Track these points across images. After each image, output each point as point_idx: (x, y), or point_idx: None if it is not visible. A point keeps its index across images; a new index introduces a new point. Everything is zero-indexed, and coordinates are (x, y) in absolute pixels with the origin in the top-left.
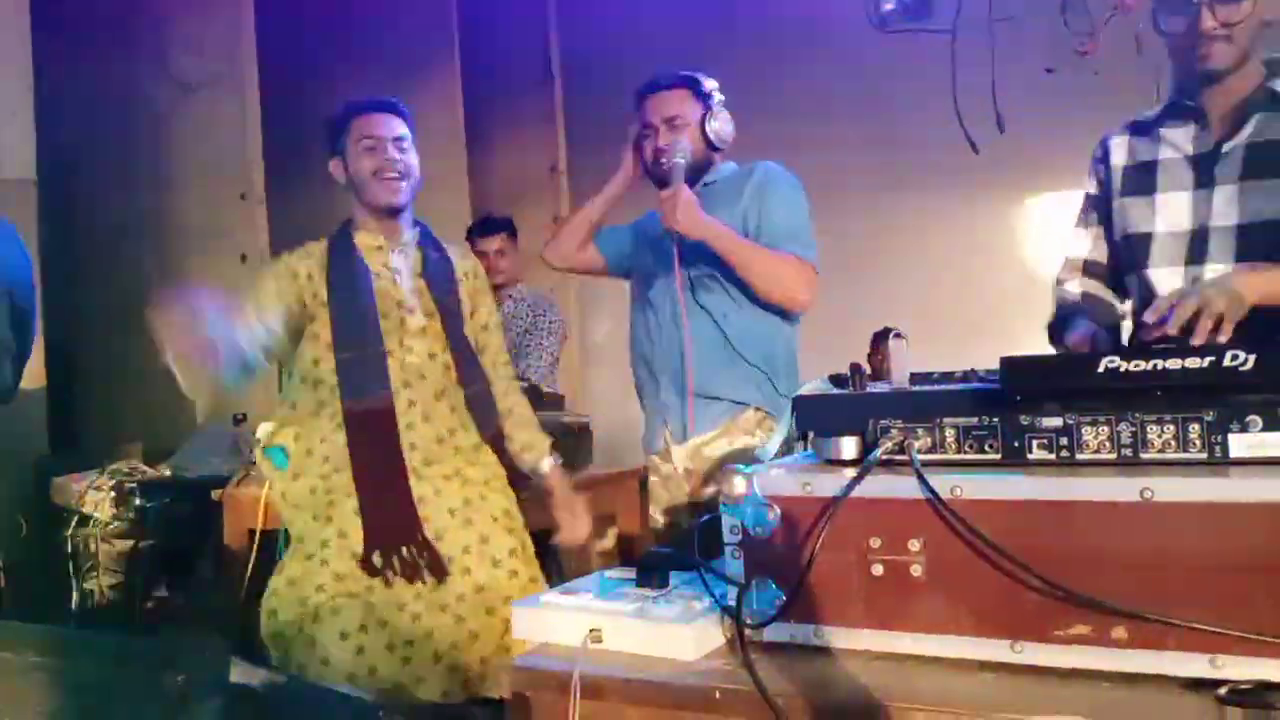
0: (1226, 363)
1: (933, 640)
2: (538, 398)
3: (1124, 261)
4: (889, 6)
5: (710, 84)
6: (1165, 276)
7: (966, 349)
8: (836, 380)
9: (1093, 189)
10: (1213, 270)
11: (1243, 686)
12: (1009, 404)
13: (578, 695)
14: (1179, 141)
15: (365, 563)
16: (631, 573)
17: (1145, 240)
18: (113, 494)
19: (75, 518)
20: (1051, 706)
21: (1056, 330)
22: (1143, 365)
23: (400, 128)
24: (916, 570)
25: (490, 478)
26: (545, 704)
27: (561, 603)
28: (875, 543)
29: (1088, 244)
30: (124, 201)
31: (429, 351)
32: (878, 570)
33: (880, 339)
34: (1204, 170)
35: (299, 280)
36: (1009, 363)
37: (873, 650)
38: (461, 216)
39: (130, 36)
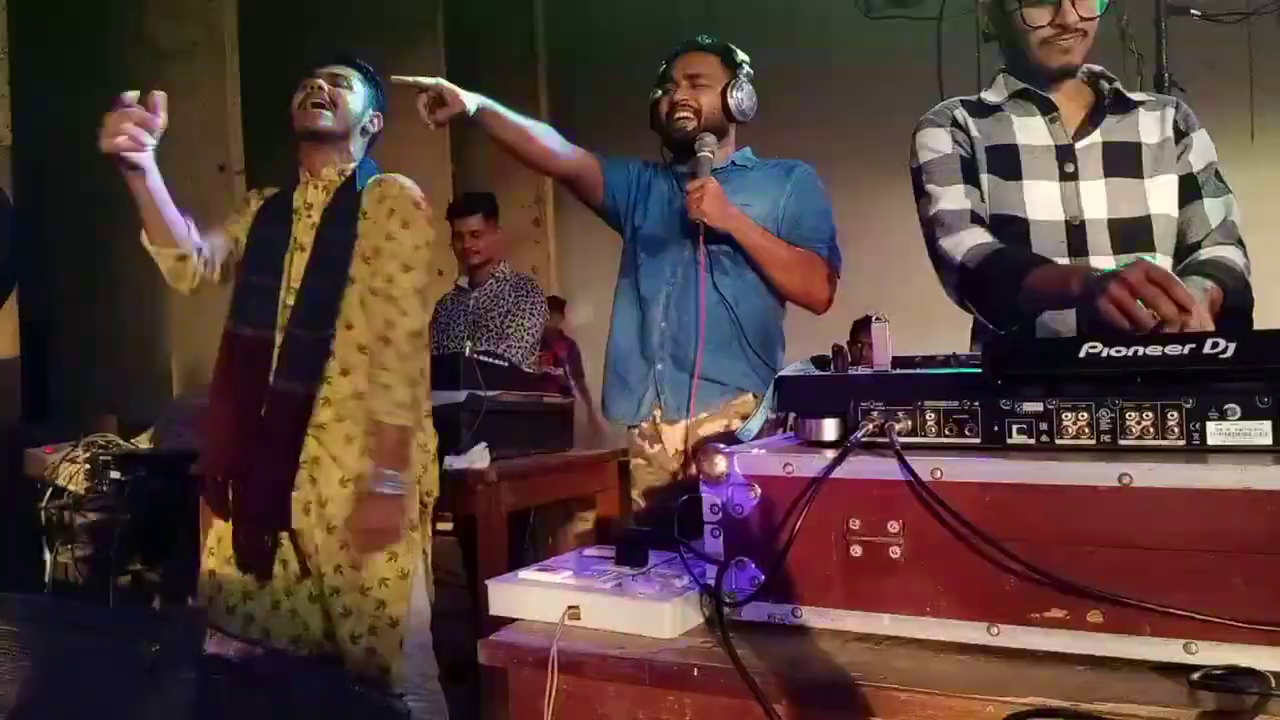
0: (1207, 350)
1: (910, 621)
2: (520, 377)
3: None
4: None
5: (742, 56)
6: None
7: (948, 337)
8: (819, 362)
9: (948, 148)
10: (1097, 262)
11: (1215, 672)
12: (990, 388)
13: (555, 671)
14: (1035, 130)
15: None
16: (610, 551)
17: (1019, 225)
18: (87, 466)
19: (49, 490)
20: (1026, 689)
21: (986, 275)
22: (1124, 351)
23: (339, 69)
24: (895, 552)
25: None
26: (523, 679)
27: (539, 579)
28: (855, 524)
29: (960, 198)
30: (100, 171)
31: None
32: (857, 551)
33: (861, 327)
34: (1065, 163)
35: (245, 213)
36: (991, 346)
37: (850, 630)
38: (444, 193)
39: (108, 2)
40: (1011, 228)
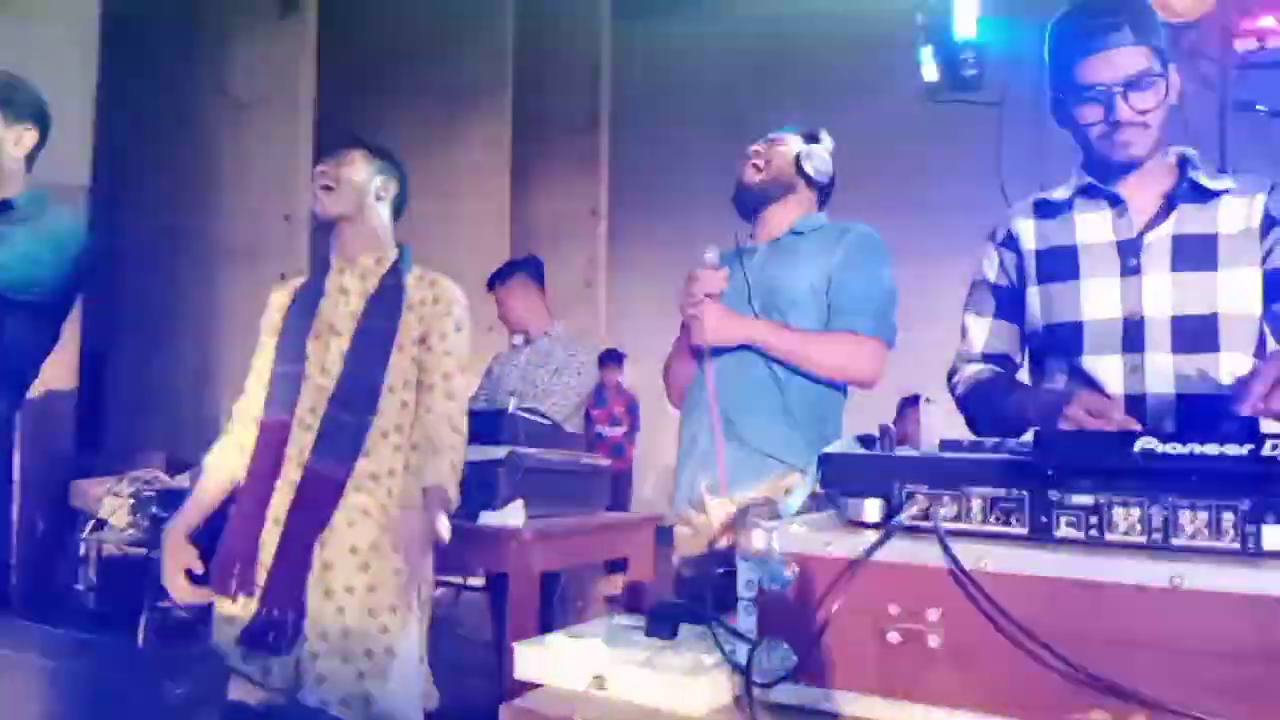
0: (1265, 452)
1: (946, 715)
2: (562, 437)
3: (1048, 350)
4: (932, 80)
5: (824, 135)
6: (1102, 365)
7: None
8: (864, 441)
9: (991, 275)
10: (1154, 359)
11: None
12: (1039, 478)
13: None
14: (1097, 226)
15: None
16: (641, 621)
17: (1075, 329)
18: (131, 501)
19: (91, 522)
20: None
21: (981, 404)
22: (1179, 449)
23: (342, 151)
24: (934, 641)
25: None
26: None
27: (567, 645)
28: (893, 609)
29: (984, 336)
30: (170, 213)
31: (337, 374)
32: (894, 638)
33: (907, 405)
34: (1129, 257)
35: (271, 317)
36: (1042, 436)
37: None
38: (502, 253)
39: (190, 53)
40: (1065, 332)
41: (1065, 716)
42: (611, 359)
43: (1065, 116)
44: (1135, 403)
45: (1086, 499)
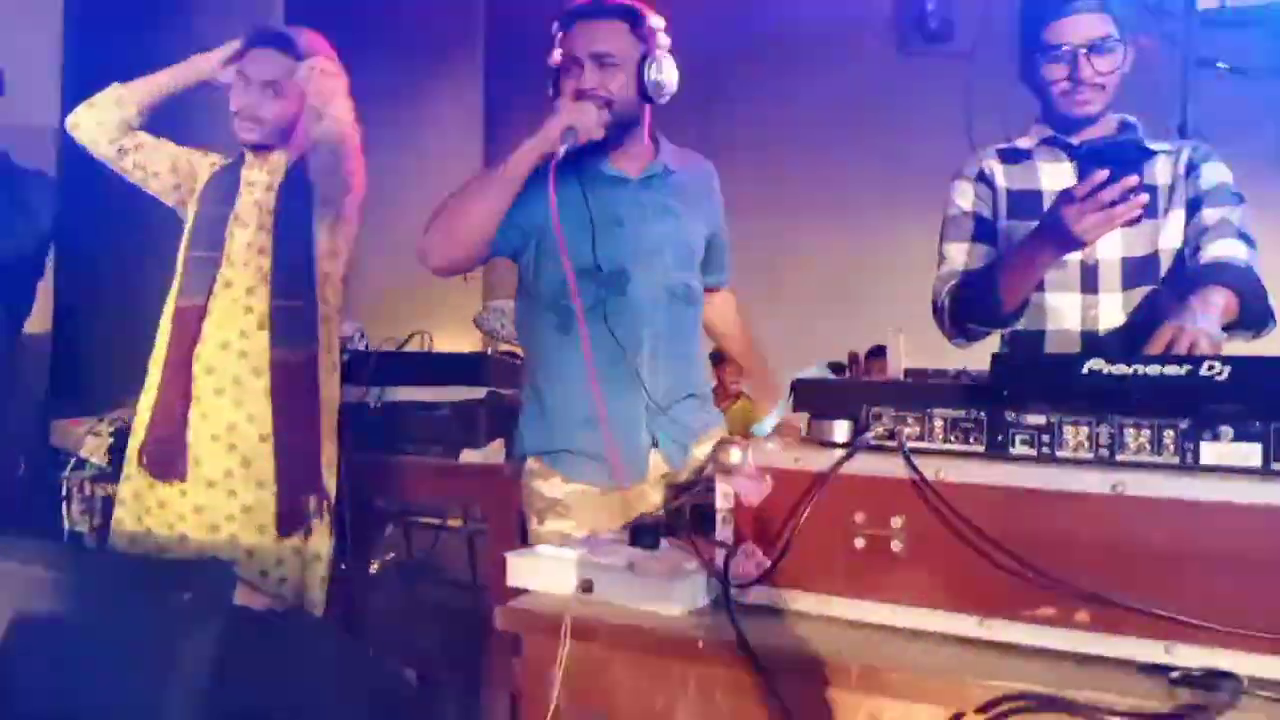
0: (1203, 372)
1: (907, 612)
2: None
3: None
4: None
5: (655, 21)
6: (1063, 301)
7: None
8: (834, 367)
9: (966, 205)
10: (1106, 298)
11: (1194, 673)
12: (996, 400)
13: (568, 637)
14: (1058, 176)
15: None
16: (625, 536)
17: None
18: (111, 439)
19: (72, 461)
20: (1012, 678)
21: (971, 285)
22: (1124, 369)
23: (272, 70)
24: (896, 545)
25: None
26: (536, 645)
27: (557, 554)
28: (859, 517)
29: (963, 258)
30: None
31: (243, 261)
32: (859, 543)
33: (874, 356)
34: None
35: (192, 162)
36: (998, 359)
37: (849, 618)
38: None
39: (158, 4)
40: None
41: (1016, 612)
42: None
43: (1031, 71)
44: (1090, 337)
45: (1039, 418)
